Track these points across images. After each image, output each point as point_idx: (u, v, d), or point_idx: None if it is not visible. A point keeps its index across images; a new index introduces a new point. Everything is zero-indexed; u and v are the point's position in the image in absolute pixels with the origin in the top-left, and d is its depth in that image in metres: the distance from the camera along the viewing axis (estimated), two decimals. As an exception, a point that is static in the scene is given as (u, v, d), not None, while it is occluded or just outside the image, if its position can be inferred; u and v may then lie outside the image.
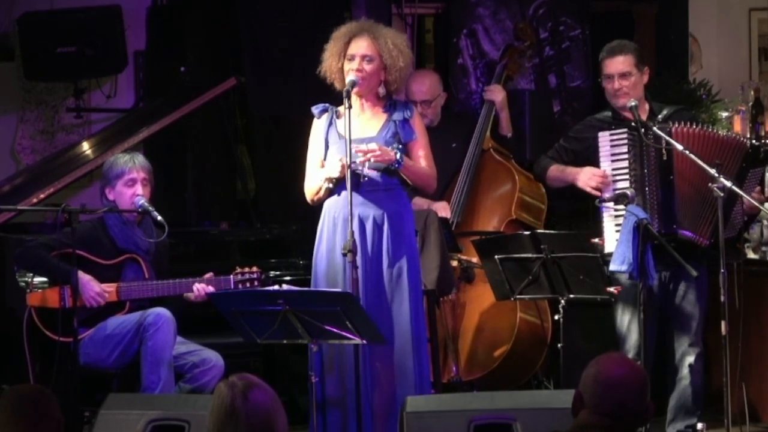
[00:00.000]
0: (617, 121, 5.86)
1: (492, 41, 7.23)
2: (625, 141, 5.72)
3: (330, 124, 5.24)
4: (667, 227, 5.63)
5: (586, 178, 5.77)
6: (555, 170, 5.96)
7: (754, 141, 5.96)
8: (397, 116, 5.23)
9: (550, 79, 7.30)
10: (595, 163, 5.79)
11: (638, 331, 5.52)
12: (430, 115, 6.58)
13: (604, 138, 5.78)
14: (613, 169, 5.73)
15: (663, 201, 5.67)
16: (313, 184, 5.24)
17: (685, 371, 5.76)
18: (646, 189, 5.67)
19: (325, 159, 5.21)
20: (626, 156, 5.72)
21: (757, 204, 5.59)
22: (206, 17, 7.42)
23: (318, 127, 5.28)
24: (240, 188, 7.08)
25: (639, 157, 5.69)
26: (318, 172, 5.22)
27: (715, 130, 5.84)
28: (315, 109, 5.30)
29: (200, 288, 5.49)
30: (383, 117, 5.24)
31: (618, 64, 5.85)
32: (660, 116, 5.80)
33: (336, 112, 5.26)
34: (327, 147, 5.22)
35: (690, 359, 5.75)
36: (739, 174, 5.61)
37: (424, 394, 5.15)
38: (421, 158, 5.25)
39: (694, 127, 5.69)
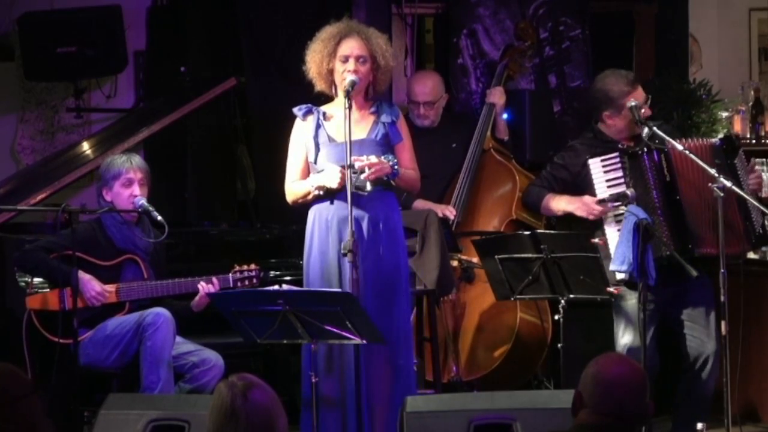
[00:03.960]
0: (603, 143, 5.81)
1: (492, 41, 7.23)
2: (618, 165, 5.70)
3: (318, 126, 5.21)
4: (682, 246, 5.58)
5: (587, 209, 5.71)
6: (550, 201, 5.87)
7: (720, 136, 5.95)
8: (385, 118, 5.21)
9: (550, 79, 7.30)
10: (588, 189, 5.76)
11: (638, 332, 5.52)
12: (432, 116, 6.59)
13: (595, 165, 5.73)
14: (611, 195, 5.69)
15: (672, 221, 5.63)
16: (299, 187, 5.19)
17: (701, 383, 5.71)
18: (653, 208, 5.63)
19: (315, 162, 5.18)
20: (622, 180, 5.68)
21: (736, 189, 5.50)
22: (206, 17, 7.42)
23: (303, 128, 5.23)
24: (240, 188, 7.07)
25: (639, 180, 5.64)
26: (308, 176, 5.18)
27: (691, 139, 5.81)
28: (298, 111, 5.25)
29: (206, 287, 5.49)
30: (371, 118, 5.22)
31: (642, 92, 5.79)
32: (643, 134, 5.72)
33: (323, 113, 5.23)
34: (318, 149, 5.19)
35: (708, 370, 5.71)
36: (731, 171, 5.60)
37: (418, 391, 5.15)
38: (408, 161, 5.24)
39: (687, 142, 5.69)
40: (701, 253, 5.60)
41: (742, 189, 5.55)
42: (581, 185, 5.79)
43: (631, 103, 5.70)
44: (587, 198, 5.72)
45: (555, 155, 6.02)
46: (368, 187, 5.07)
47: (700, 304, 5.72)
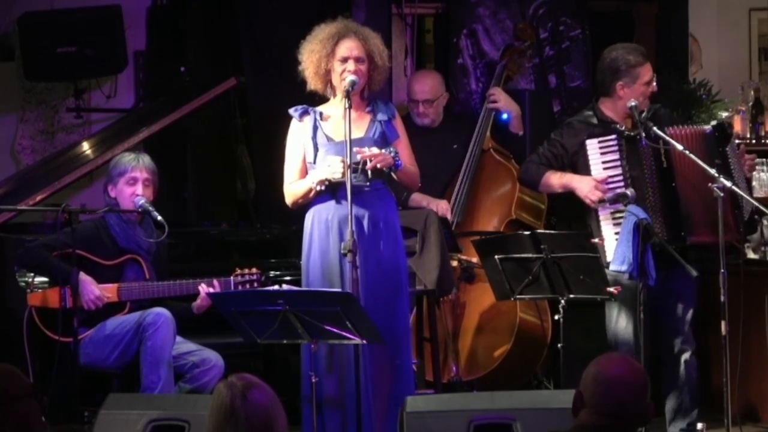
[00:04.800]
0: (602, 123, 5.79)
1: (492, 41, 7.23)
2: (616, 147, 5.68)
3: (315, 126, 5.20)
4: (675, 234, 5.59)
5: (588, 189, 5.69)
6: (551, 178, 5.79)
7: (712, 123, 5.96)
8: (381, 116, 5.22)
9: (550, 79, 7.30)
10: (584, 169, 5.74)
11: (636, 332, 5.52)
12: (432, 115, 6.59)
13: (592, 145, 5.70)
14: (611, 196, 5.67)
15: (667, 208, 5.63)
16: (299, 186, 5.19)
17: (681, 369, 5.74)
18: (649, 195, 5.63)
19: (314, 162, 5.17)
20: (619, 163, 5.68)
21: (736, 189, 5.53)
22: (206, 17, 7.42)
23: (300, 129, 5.22)
24: (240, 188, 7.07)
25: (635, 163, 5.65)
26: (307, 174, 5.18)
27: (687, 126, 5.80)
28: (295, 112, 5.24)
29: (206, 289, 5.49)
30: (367, 117, 5.23)
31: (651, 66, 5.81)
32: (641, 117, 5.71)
33: (320, 114, 5.23)
34: (316, 149, 5.18)
35: (685, 356, 5.73)
36: (722, 158, 5.61)
37: (417, 391, 5.14)
38: (407, 157, 5.24)
39: (682, 127, 5.69)
40: (694, 242, 5.61)
41: (732, 176, 5.53)
42: (577, 165, 5.76)
43: (631, 103, 5.68)
44: (590, 178, 5.68)
45: (552, 131, 5.97)
46: (370, 175, 5.05)
47: (680, 294, 5.72)
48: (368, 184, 5.10)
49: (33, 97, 7.44)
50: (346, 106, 5.01)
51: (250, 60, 7.16)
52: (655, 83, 5.78)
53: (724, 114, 7.16)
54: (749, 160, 5.80)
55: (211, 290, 5.49)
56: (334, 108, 5.21)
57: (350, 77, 5.09)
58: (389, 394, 5.10)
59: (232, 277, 5.56)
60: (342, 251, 4.95)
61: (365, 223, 5.10)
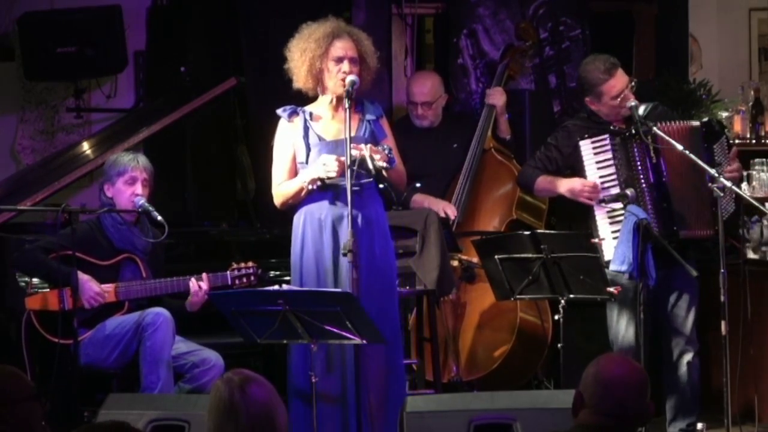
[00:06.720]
0: (596, 124, 5.82)
1: (492, 41, 7.23)
2: (608, 147, 5.71)
3: (306, 127, 5.19)
4: (667, 229, 5.61)
5: (577, 190, 5.73)
6: (543, 182, 5.87)
7: (703, 119, 5.97)
8: (370, 116, 5.21)
9: (550, 79, 7.30)
10: (580, 170, 5.76)
11: (635, 332, 5.52)
12: (431, 117, 6.59)
13: (585, 146, 5.75)
14: (600, 177, 5.71)
15: (659, 203, 5.66)
16: (289, 186, 5.18)
17: (683, 370, 5.75)
18: (644, 192, 5.65)
19: (306, 162, 5.15)
20: (612, 162, 5.70)
21: (736, 189, 5.54)
22: (206, 17, 7.41)
23: (290, 130, 5.21)
24: (240, 188, 7.07)
25: (626, 161, 5.67)
26: (298, 174, 5.18)
27: (673, 122, 5.79)
28: (284, 112, 5.23)
29: (196, 284, 5.49)
30: (356, 117, 5.20)
31: (624, 77, 5.78)
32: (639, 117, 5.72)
33: (309, 114, 5.21)
34: (308, 149, 5.17)
35: (688, 357, 5.75)
36: (708, 155, 5.61)
37: (414, 391, 5.12)
38: (395, 155, 5.23)
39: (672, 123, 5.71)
40: (686, 236, 5.63)
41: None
42: (572, 166, 5.80)
43: (631, 103, 5.69)
44: (579, 180, 5.72)
45: (549, 135, 6.00)
46: (373, 170, 5.03)
47: (682, 294, 5.73)
48: (369, 179, 5.09)
49: (33, 97, 7.43)
50: (346, 106, 5.01)
51: (250, 60, 7.15)
52: (628, 92, 5.73)
53: (724, 114, 7.17)
54: (735, 170, 5.77)
55: (203, 285, 5.49)
56: (323, 108, 5.21)
57: (350, 78, 5.08)
58: (386, 394, 5.09)
59: (228, 272, 5.56)
60: (342, 251, 4.95)
61: (359, 222, 5.09)
